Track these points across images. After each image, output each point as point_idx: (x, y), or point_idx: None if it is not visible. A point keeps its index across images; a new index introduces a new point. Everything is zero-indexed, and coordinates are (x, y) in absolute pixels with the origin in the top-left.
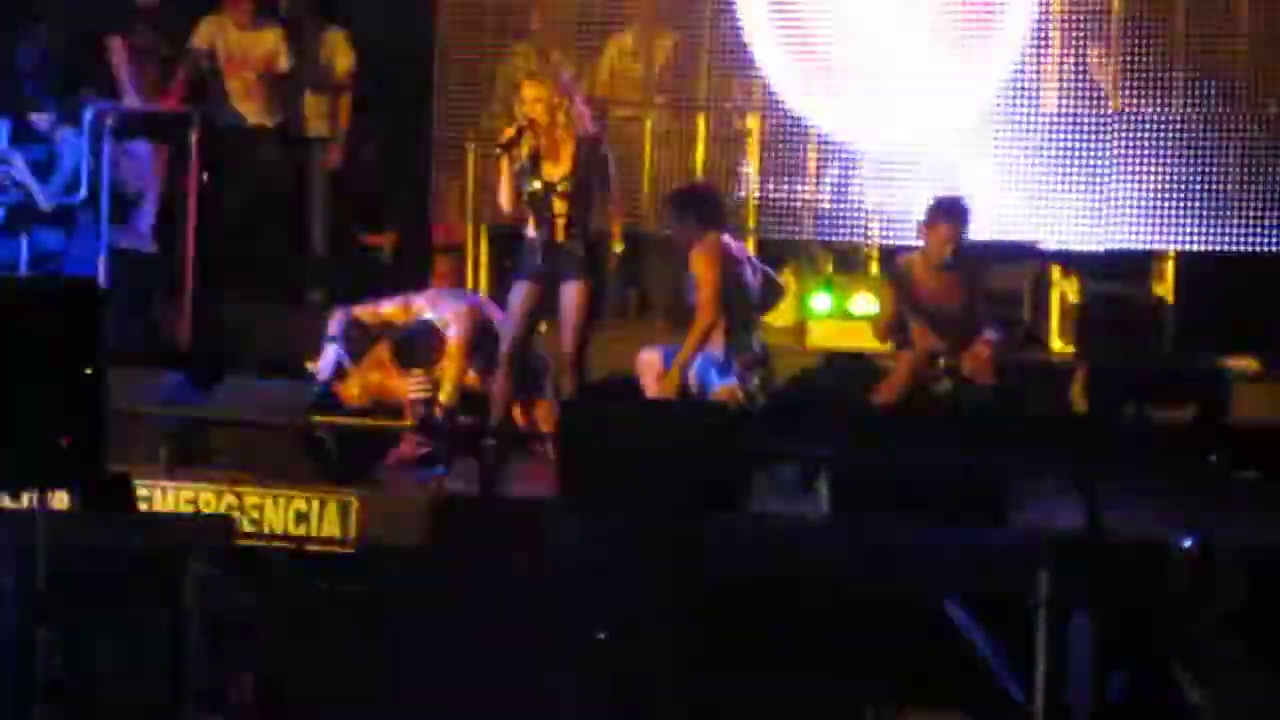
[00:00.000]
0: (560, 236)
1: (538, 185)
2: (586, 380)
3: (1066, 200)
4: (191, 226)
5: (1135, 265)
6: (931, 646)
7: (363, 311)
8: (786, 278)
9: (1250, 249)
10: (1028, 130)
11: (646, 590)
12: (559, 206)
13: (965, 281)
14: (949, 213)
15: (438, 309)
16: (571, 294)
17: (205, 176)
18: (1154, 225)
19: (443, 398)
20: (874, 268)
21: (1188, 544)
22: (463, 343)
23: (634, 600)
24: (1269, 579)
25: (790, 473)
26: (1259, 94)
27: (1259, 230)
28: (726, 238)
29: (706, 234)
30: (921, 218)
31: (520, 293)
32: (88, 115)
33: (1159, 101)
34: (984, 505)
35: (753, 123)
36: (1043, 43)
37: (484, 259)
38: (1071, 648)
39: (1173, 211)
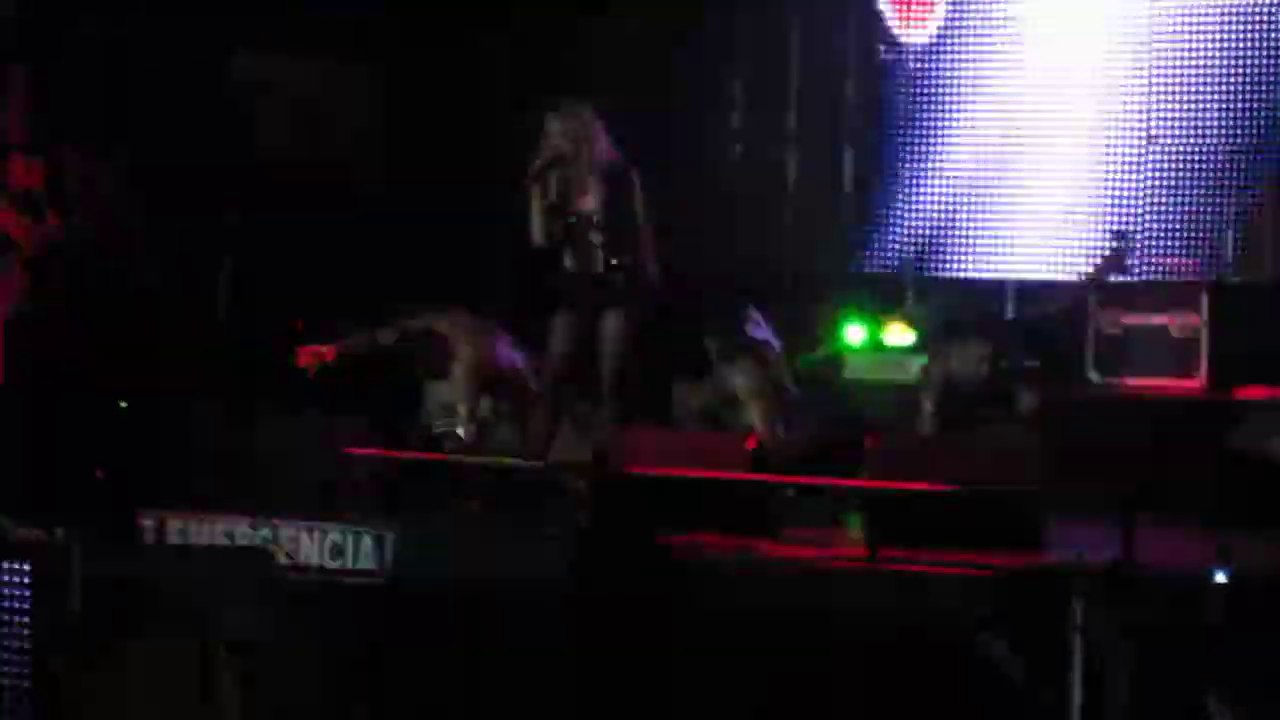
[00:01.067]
0: (598, 268)
1: (572, 218)
2: (628, 414)
3: (1098, 231)
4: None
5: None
6: (967, 678)
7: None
8: (823, 309)
9: None
10: (1063, 159)
11: (680, 624)
12: (595, 238)
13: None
14: (985, 331)
15: (454, 331)
16: (612, 326)
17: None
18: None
19: (461, 433)
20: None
21: (1222, 577)
22: (471, 376)
23: (668, 635)
24: None
25: (826, 504)
26: None
27: None
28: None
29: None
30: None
31: (561, 326)
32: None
33: (1192, 131)
34: (1021, 535)
35: None
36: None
37: None
38: (1107, 678)
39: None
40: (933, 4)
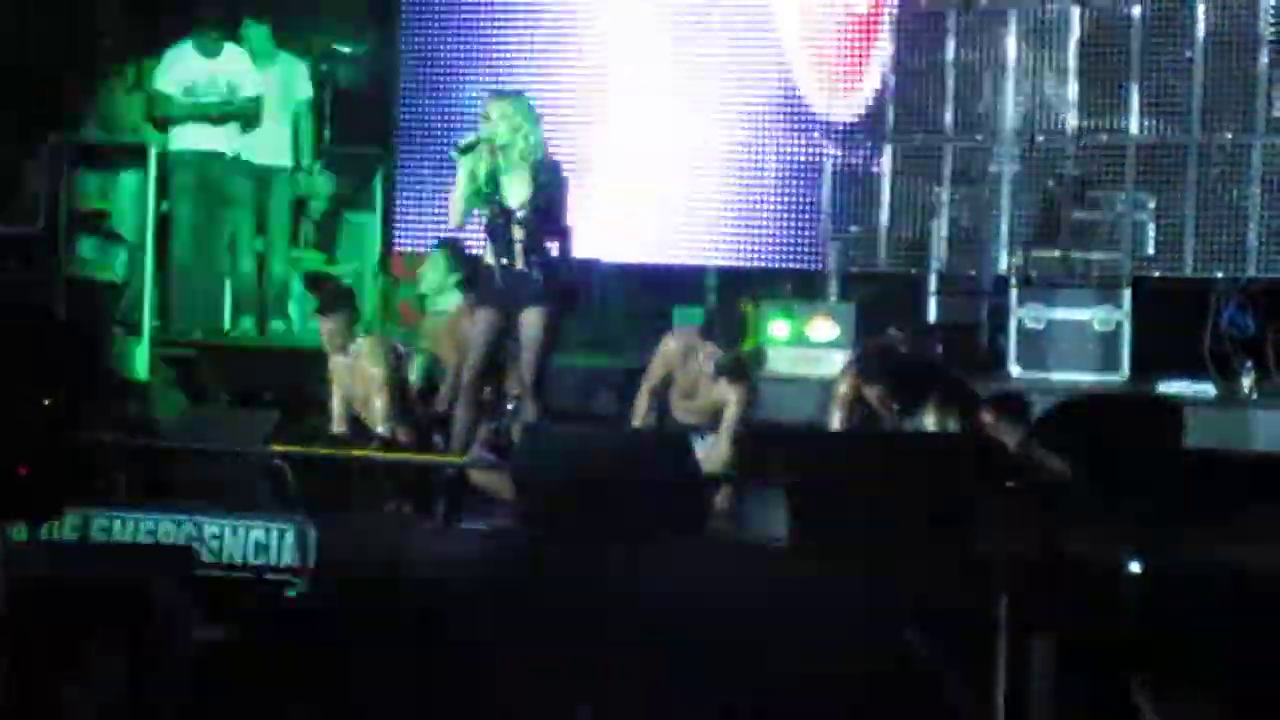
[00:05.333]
0: (519, 263)
1: (496, 210)
2: (548, 407)
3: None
4: (150, 255)
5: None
6: (891, 671)
7: None
8: (746, 304)
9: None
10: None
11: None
12: (517, 233)
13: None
14: (873, 375)
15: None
16: (532, 321)
17: (164, 206)
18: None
19: (382, 429)
20: (833, 295)
21: (1136, 567)
22: (386, 381)
23: (583, 629)
24: (1224, 601)
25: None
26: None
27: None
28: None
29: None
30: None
31: (480, 321)
32: (44, 146)
33: (1116, 126)
34: (948, 530)
35: None
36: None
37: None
38: (1031, 670)
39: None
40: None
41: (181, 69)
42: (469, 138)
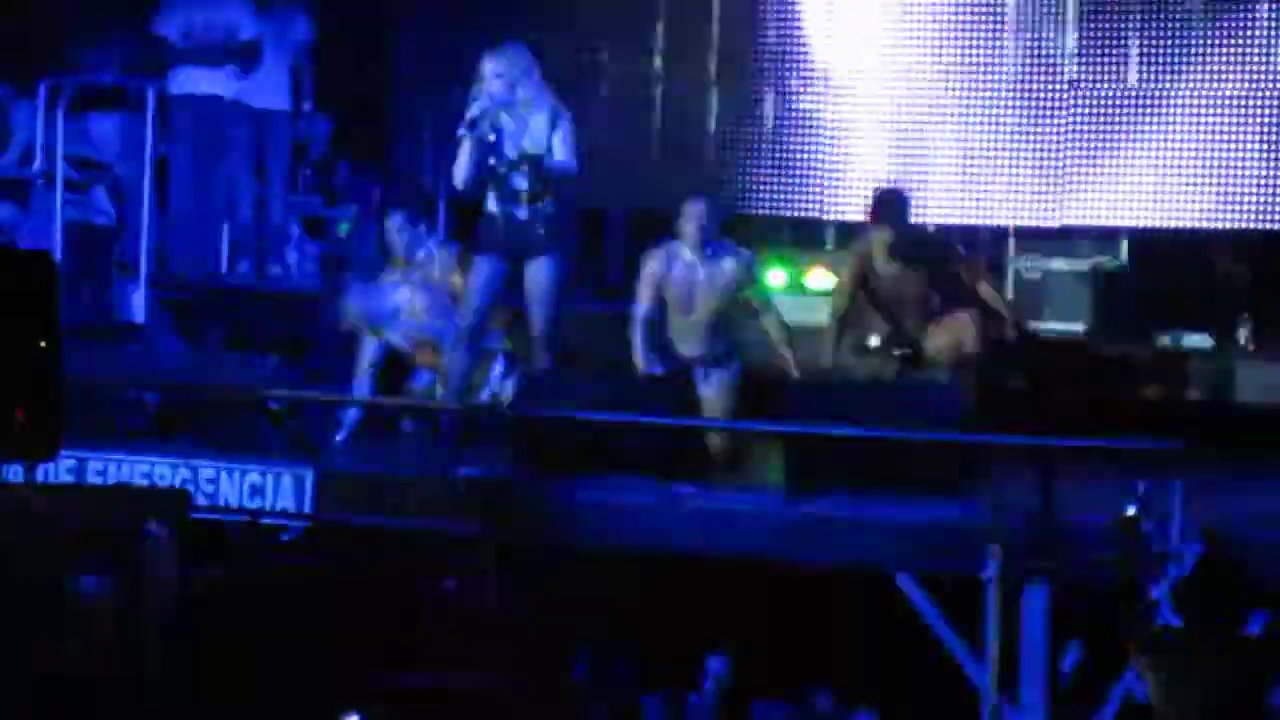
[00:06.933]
0: (525, 212)
1: (501, 159)
2: (560, 356)
3: (1023, 176)
4: (147, 198)
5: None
6: (885, 621)
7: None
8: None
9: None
10: (984, 105)
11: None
12: (522, 181)
13: (925, 268)
14: (882, 214)
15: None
16: (539, 271)
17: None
18: (1110, 201)
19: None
20: (830, 243)
21: (1131, 510)
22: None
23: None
24: (1217, 554)
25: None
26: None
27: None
28: None
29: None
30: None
31: (484, 270)
32: (42, 87)
33: (1115, 76)
34: (944, 481)
35: None
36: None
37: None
38: (1024, 622)
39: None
40: None
41: (181, 12)
42: (471, 114)
